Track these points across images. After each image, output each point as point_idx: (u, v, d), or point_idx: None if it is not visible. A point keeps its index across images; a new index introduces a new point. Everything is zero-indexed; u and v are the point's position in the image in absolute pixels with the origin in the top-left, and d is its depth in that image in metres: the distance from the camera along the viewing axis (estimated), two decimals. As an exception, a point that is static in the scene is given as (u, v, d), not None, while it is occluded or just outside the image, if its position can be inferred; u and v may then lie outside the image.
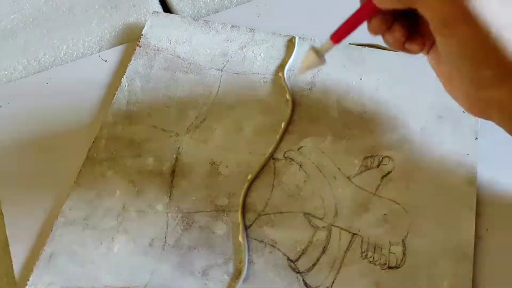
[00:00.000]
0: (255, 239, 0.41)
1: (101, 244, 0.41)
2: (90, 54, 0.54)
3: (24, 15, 0.57)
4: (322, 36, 0.51)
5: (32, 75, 0.53)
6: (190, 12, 0.57)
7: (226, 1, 0.58)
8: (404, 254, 0.41)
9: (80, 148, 0.47)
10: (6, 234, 0.43)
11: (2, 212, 0.44)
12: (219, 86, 0.49)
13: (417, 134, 0.46)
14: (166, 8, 0.59)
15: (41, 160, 0.47)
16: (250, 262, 0.40)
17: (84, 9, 0.58)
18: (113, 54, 0.53)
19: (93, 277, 0.40)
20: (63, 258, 0.41)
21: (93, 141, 0.46)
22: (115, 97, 0.49)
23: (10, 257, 0.42)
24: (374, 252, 0.41)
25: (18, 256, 0.42)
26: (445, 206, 0.42)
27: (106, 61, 0.52)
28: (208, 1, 0.58)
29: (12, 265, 0.41)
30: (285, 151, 0.46)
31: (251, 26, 0.53)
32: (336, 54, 0.51)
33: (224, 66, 0.51)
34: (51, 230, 0.42)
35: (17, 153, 0.47)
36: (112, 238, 0.42)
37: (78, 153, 0.47)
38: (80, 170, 0.45)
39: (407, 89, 0.49)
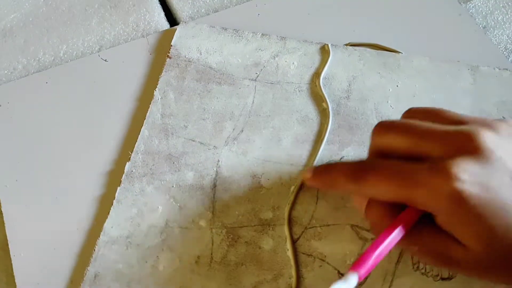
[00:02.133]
0: (304, 253, 0.41)
1: (146, 262, 0.41)
2: (90, 54, 0.54)
3: (23, 15, 0.57)
4: (322, 37, 0.52)
5: (31, 74, 0.52)
6: (190, 12, 0.56)
7: (225, 1, 0.57)
8: (456, 264, 0.40)
9: (80, 146, 0.47)
10: (5, 234, 0.42)
11: (1, 211, 0.44)
12: (254, 97, 0.49)
13: (459, 140, 0.45)
14: (166, 7, 0.58)
15: (39, 158, 0.47)
16: (300, 277, 0.40)
17: (83, 8, 0.57)
18: (113, 54, 0.53)
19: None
20: (109, 278, 0.40)
21: (130, 156, 0.45)
22: (148, 110, 0.48)
23: (9, 256, 0.41)
24: (425, 263, 0.40)
25: (17, 255, 0.41)
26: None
27: (106, 60, 0.52)
28: (208, 0, 0.57)
29: (11, 265, 0.41)
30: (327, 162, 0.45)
31: (251, 25, 0.53)
32: (370, 61, 0.50)
33: (257, 76, 0.50)
34: (94, 250, 0.41)
35: (16, 153, 0.47)
36: (157, 256, 0.41)
37: (77, 152, 0.47)
38: (120, 188, 0.44)
39: (444, 95, 0.48)
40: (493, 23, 0.54)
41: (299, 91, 0.49)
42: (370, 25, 0.54)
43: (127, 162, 0.45)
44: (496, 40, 0.53)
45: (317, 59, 0.51)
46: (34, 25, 0.56)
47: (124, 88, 0.50)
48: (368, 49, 0.51)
